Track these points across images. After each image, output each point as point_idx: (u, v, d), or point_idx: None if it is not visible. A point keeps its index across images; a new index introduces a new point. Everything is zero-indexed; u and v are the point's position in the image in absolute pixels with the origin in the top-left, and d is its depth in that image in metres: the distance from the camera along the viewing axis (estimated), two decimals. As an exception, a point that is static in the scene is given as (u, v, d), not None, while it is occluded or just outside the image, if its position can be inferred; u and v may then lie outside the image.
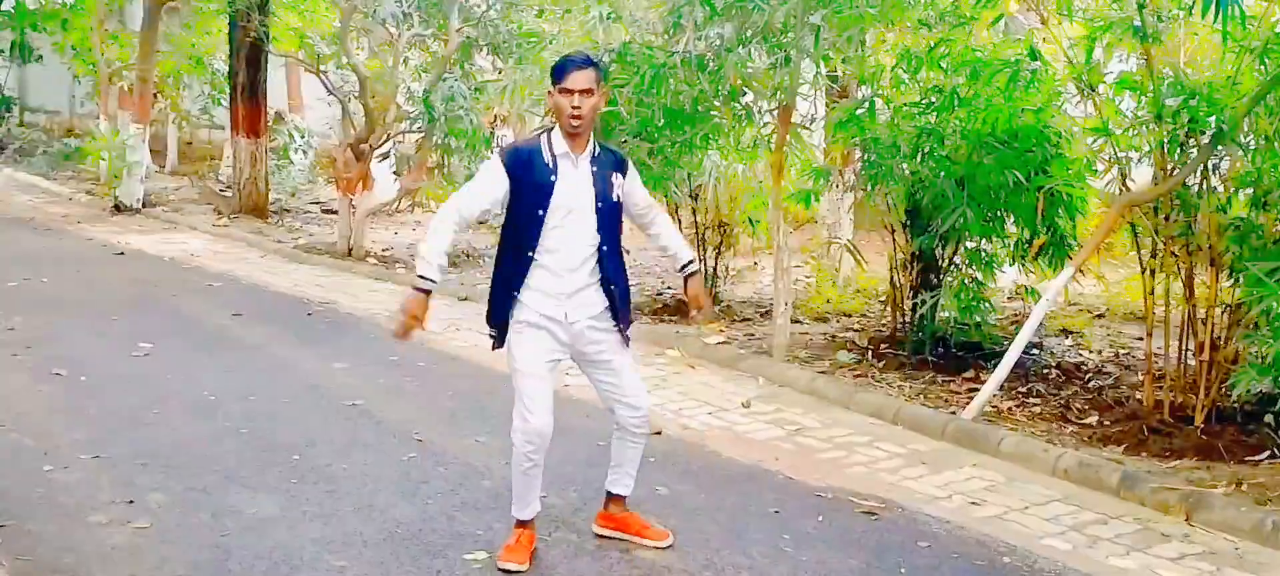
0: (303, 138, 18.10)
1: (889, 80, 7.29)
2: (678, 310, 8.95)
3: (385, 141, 12.75)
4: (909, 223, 7.57)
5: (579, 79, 3.77)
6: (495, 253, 4.02)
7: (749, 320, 8.82)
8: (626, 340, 4.07)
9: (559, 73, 3.81)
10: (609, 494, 4.28)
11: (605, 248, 3.90)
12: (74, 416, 5.70)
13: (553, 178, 3.81)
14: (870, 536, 4.44)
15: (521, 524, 4.06)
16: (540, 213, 3.81)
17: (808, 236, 10.41)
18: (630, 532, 4.24)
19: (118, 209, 15.16)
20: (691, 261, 4.26)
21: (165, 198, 16.63)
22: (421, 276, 3.86)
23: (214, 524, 4.32)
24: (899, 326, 7.86)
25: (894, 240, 7.79)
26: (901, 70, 7.12)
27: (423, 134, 12.59)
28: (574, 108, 3.75)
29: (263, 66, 15.26)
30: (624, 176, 3.99)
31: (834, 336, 8.09)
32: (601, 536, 4.27)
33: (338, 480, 4.87)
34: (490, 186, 3.88)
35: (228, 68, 15.97)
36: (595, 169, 3.89)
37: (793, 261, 7.98)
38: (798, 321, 8.09)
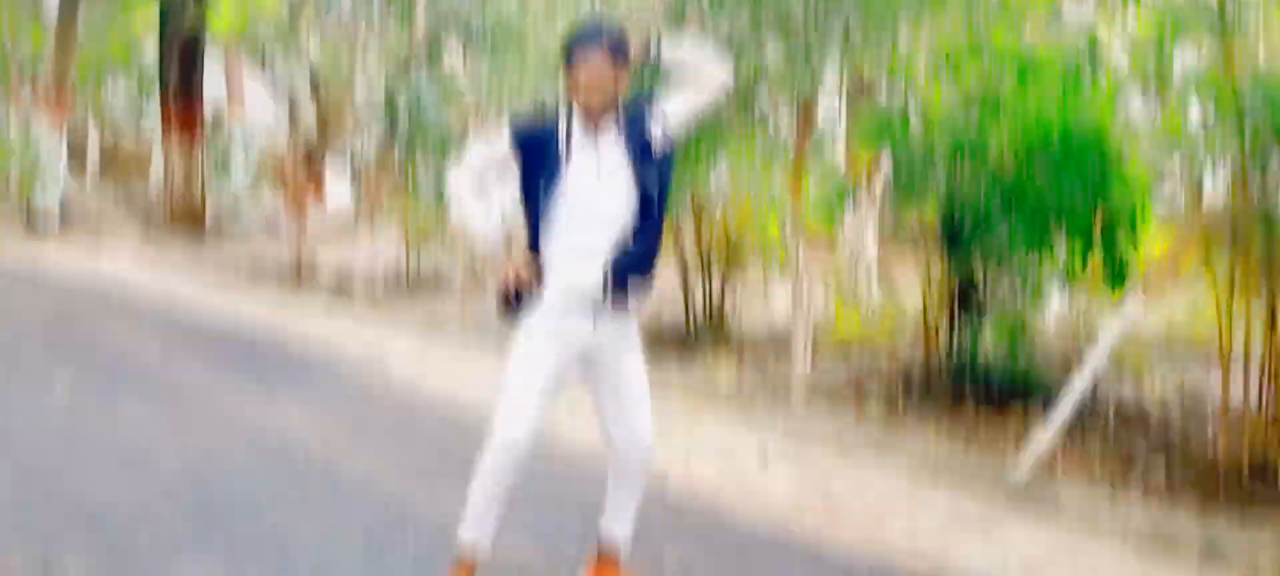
0: (245, 142, 17.96)
1: (924, 80, 7.21)
2: (680, 343, 8.85)
3: (340, 148, 12.64)
4: (946, 243, 7.48)
5: (590, 56, 3.64)
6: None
7: (759, 354, 8.71)
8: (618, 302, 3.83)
9: (567, 50, 3.70)
10: (600, 543, 4.16)
11: (639, 207, 3.74)
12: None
13: (565, 165, 3.70)
14: (918, 616, 4.31)
15: (462, 560, 3.94)
16: (548, 198, 3.72)
17: (826, 254, 10.33)
18: None
19: (30, 223, 14.99)
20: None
21: (85, 208, 16.45)
22: (485, 235, 3.80)
23: (144, 599, 4.16)
24: (932, 360, 7.76)
25: (928, 262, 7.70)
26: (939, 68, 7.05)
27: (384, 140, 12.48)
28: (585, 93, 3.66)
29: (199, 61, 15.15)
30: (656, 115, 3.77)
31: (859, 377, 7.98)
32: None
33: (290, 547, 4.70)
34: (498, 155, 3.78)
35: (158, 62, 15.84)
36: (625, 137, 3.75)
37: (813, 285, 7.88)
38: (815, 357, 7.98)
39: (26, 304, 10.10)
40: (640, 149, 3.74)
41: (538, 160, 3.72)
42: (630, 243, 3.77)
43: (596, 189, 3.72)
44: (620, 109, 3.77)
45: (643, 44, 3.79)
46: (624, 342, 3.88)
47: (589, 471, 5.63)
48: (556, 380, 3.83)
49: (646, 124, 3.77)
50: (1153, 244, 7.03)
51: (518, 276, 3.74)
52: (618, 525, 4.13)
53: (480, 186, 3.80)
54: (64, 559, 4.43)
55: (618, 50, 3.67)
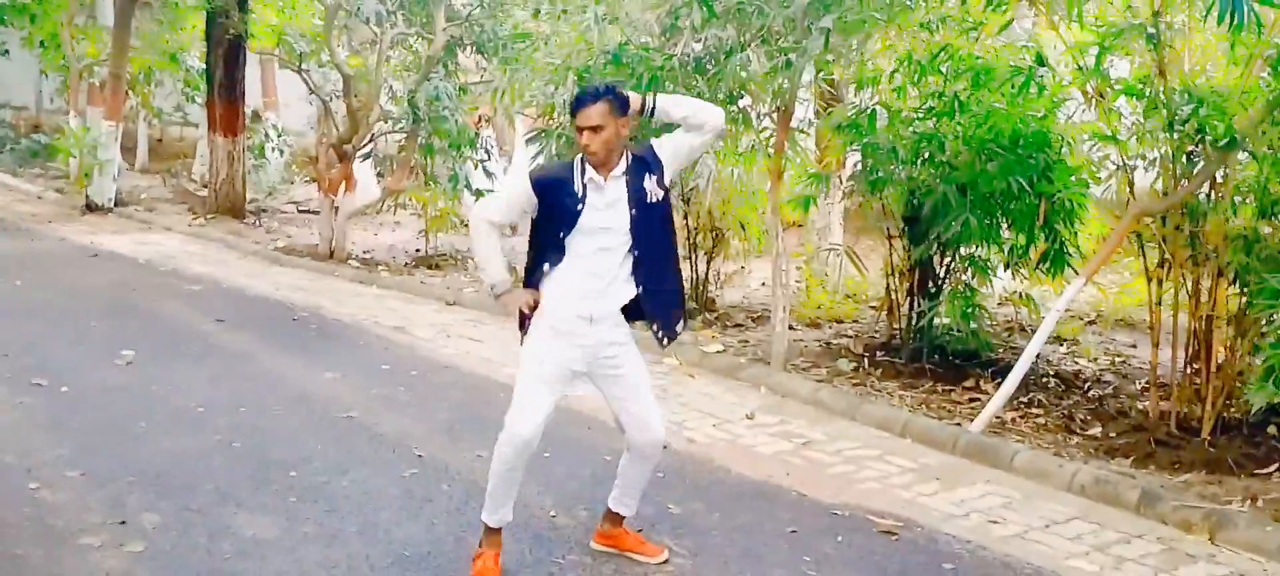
0: (279, 136, 17.78)
1: (888, 85, 7.18)
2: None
3: (368, 142, 12.52)
4: (907, 229, 7.47)
5: (589, 115, 3.74)
6: (526, 257, 4.00)
7: (742, 326, 8.69)
8: (666, 338, 4.02)
9: (573, 108, 3.83)
10: (610, 512, 4.21)
11: (638, 252, 3.83)
12: (57, 431, 5.46)
13: (580, 207, 3.80)
14: (892, 559, 4.31)
15: (490, 533, 3.96)
16: (562, 235, 3.84)
17: (798, 240, 10.30)
18: (625, 548, 4.18)
19: (89, 208, 14.83)
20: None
21: (137, 196, 16.29)
22: (495, 284, 3.94)
23: (211, 547, 4.12)
24: (895, 333, 7.76)
25: (891, 246, 7.69)
26: (902, 75, 7.02)
27: (406, 134, 12.37)
28: (588, 146, 3.76)
29: (241, 64, 14.97)
30: (658, 163, 3.88)
31: (829, 343, 7.97)
32: (600, 552, 4.20)
33: (337, 499, 4.68)
34: (517, 200, 3.96)
35: (205, 64, 15.64)
36: (628, 179, 3.84)
37: (789, 266, 7.84)
38: (792, 327, 7.96)
39: (89, 280, 9.98)
40: (639, 194, 3.83)
41: (556, 201, 3.83)
42: (656, 283, 3.89)
43: (605, 225, 3.80)
44: (627, 155, 3.86)
45: (639, 100, 3.88)
46: (620, 342, 3.92)
47: (588, 437, 5.64)
48: (562, 382, 3.89)
49: (646, 173, 3.86)
50: (1090, 231, 7.02)
51: (534, 305, 3.87)
52: (627, 501, 4.18)
53: (495, 231, 3.94)
54: (139, 516, 4.39)
55: (615, 105, 3.76)
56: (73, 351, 7.13)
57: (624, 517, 4.20)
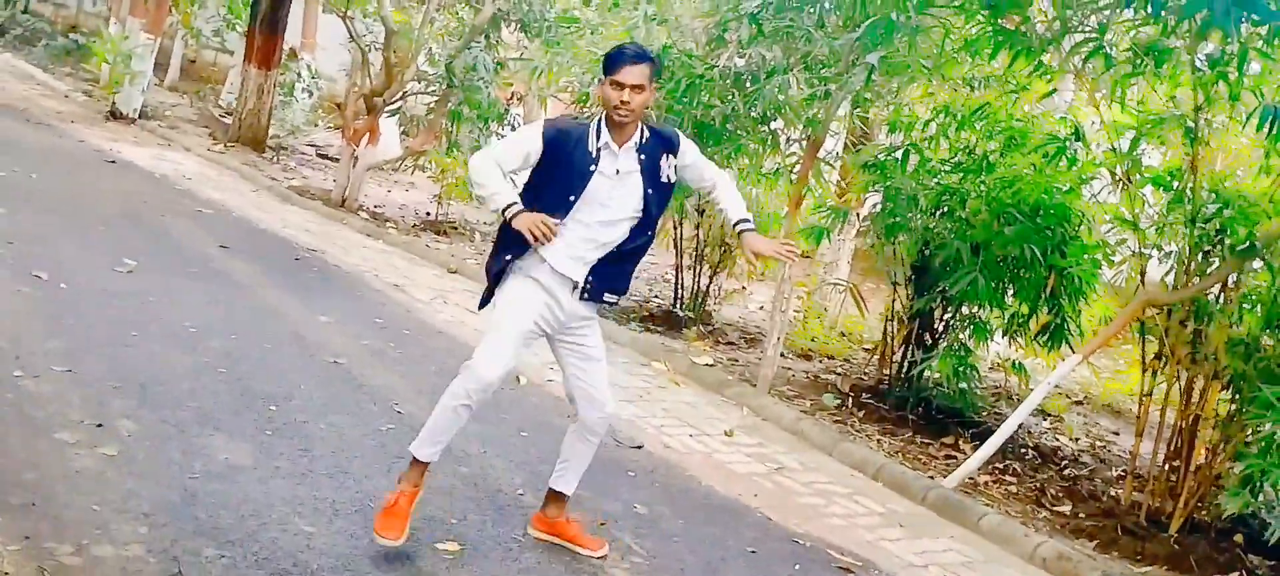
0: (312, 78, 17.88)
1: (922, 133, 7.24)
2: (667, 321, 8.88)
3: (399, 98, 12.61)
4: (913, 278, 7.53)
5: (631, 73, 3.68)
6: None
7: (734, 344, 8.76)
8: (593, 299, 3.88)
9: (611, 63, 3.72)
10: (551, 491, 4.15)
11: (639, 224, 3.85)
12: (50, 324, 5.55)
13: (592, 168, 3.74)
14: (845, 594, 4.37)
15: (415, 466, 3.88)
16: (571, 198, 3.75)
17: (804, 271, 10.36)
18: (565, 539, 4.14)
19: (114, 115, 14.94)
20: (744, 221, 4.03)
21: (162, 112, 16.40)
22: (509, 205, 3.73)
23: (183, 463, 4.19)
24: (884, 378, 7.81)
25: (895, 292, 7.75)
26: (938, 125, 7.08)
27: (438, 98, 12.46)
28: (622, 101, 3.68)
29: (287, 0, 15.07)
30: (676, 155, 3.90)
31: (818, 376, 8.03)
32: (541, 540, 4.15)
33: (313, 440, 4.76)
34: (525, 146, 3.79)
35: (251, -7, 15.76)
36: (643, 156, 3.81)
37: (791, 294, 7.91)
38: (783, 355, 8.02)
39: (103, 185, 10.09)
40: (654, 171, 3.82)
41: (567, 156, 3.75)
42: (619, 256, 3.86)
43: (610, 193, 3.77)
44: (645, 128, 3.84)
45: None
46: (590, 316, 3.94)
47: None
48: (532, 334, 3.86)
49: (664, 153, 3.86)
50: (1094, 311, 7.08)
51: (545, 225, 3.69)
52: (569, 478, 4.14)
53: (498, 167, 3.78)
54: (117, 420, 4.47)
55: (652, 70, 3.74)
56: (77, 251, 7.22)
57: (566, 500, 4.15)
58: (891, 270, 7.74)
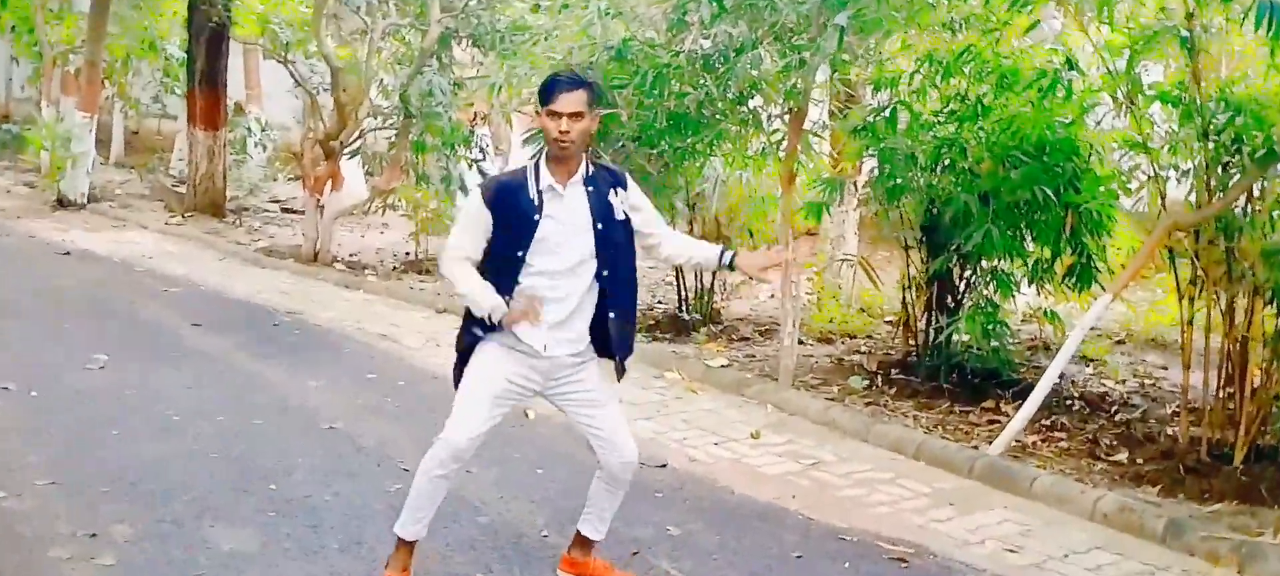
0: (263, 131, 17.90)
1: (908, 87, 7.24)
2: (674, 327, 8.88)
3: (356, 138, 12.61)
4: (925, 240, 7.54)
5: (567, 101, 3.63)
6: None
7: (748, 339, 8.77)
8: (622, 371, 3.94)
9: (546, 93, 3.68)
10: (578, 535, 4.13)
11: (606, 272, 3.77)
12: (27, 436, 5.55)
13: (537, 216, 3.70)
14: (902, 586, 4.37)
15: (401, 548, 3.91)
16: (520, 253, 3.71)
17: (810, 250, 10.37)
18: None
19: (61, 203, 14.95)
20: (725, 253, 4.02)
21: (112, 192, 16.42)
22: (494, 308, 3.68)
23: (186, 560, 4.18)
24: (911, 350, 7.82)
25: (908, 257, 7.75)
26: (923, 76, 7.08)
27: (398, 131, 12.46)
28: (562, 132, 3.63)
29: (224, 53, 15.09)
30: (625, 191, 3.86)
31: (841, 359, 8.04)
32: None
33: (320, 512, 4.75)
34: (475, 222, 3.79)
35: (186, 53, 15.77)
36: (590, 189, 3.77)
37: (799, 276, 7.92)
38: (801, 342, 8.03)
39: (61, 279, 10.08)
40: (603, 205, 3.76)
41: (511, 210, 3.71)
42: (612, 309, 3.81)
43: (561, 238, 3.71)
44: (589, 163, 3.80)
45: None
46: (579, 361, 3.84)
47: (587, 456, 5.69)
48: (511, 398, 3.84)
49: (613, 187, 3.81)
50: (1119, 244, 7.08)
51: (532, 309, 3.66)
52: (597, 525, 4.12)
53: (469, 264, 3.78)
54: (110, 527, 4.46)
55: (593, 97, 3.70)
56: (43, 354, 7.21)
57: (593, 543, 4.15)
58: (901, 235, 7.75)
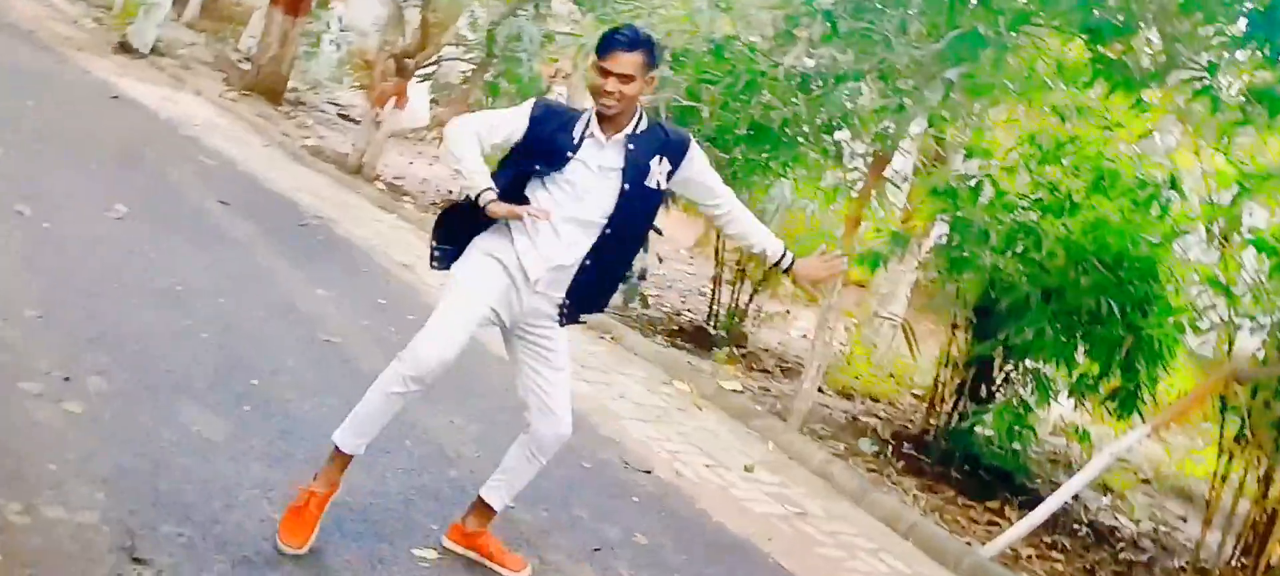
0: (342, 30, 18.16)
1: (1001, 161, 7.25)
2: (696, 338, 8.93)
3: (433, 62, 12.77)
4: (975, 321, 7.54)
5: (621, 61, 3.58)
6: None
7: (768, 372, 8.80)
8: (570, 321, 3.86)
9: (602, 47, 3.64)
10: (480, 501, 4.08)
11: (609, 230, 3.73)
12: (27, 265, 5.70)
13: (570, 155, 3.68)
14: (855, 658, 4.41)
15: (336, 459, 3.84)
16: (545, 180, 3.70)
17: (856, 301, 10.38)
18: (483, 555, 4.07)
19: (123, 48, 15.25)
20: (786, 254, 3.98)
21: (176, 50, 16.70)
22: (484, 192, 3.63)
23: (151, 430, 4.29)
24: (930, 429, 7.83)
25: (953, 334, 7.76)
26: (1019, 155, 7.09)
27: (475, 66, 12.61)
28: (608, 91, 3.61)
29: (323, -59, 15.34)
30: (680, 161, 3.80)
31: (856, 418, 8.06)
32: (455, 553, 4.09)
33: (295, 421, 4.85)
34: (510, 124, 3.74)
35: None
36: (631, 147, 3.72)
37: (836, 324, 7.94)
38: (821, 390, 8.06)
39: (104, 123, 10.33)
40: (638, 169, 3.72)
41: (548, 137, 3.69)
42: (598, 270, 3.78)
43: (586, 186, 3.70)
44: (644, 118, 3.77)
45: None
46: (553, 317, 3.83)
47: (572, 440, 5.75)
48: (482, 323, 3.77)
49: (659, 154, 3.76)
50: (1172, 381, 7.05)
51: (516, 213, 3.63)
52: (502, 493, 4.08)
53: (477, 142, 3.70)
54: (87, 376, 4.59)
55: (650, 57, 3.65)
56: (66, 190, 7.39)
57: (493, 515, 4.09)
58: (952, 310, 7.75)
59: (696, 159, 3.88)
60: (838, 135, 8.16)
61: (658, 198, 3.83)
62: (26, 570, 3.22)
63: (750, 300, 9.37)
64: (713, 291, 9.48)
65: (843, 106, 7.26)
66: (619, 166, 3.70)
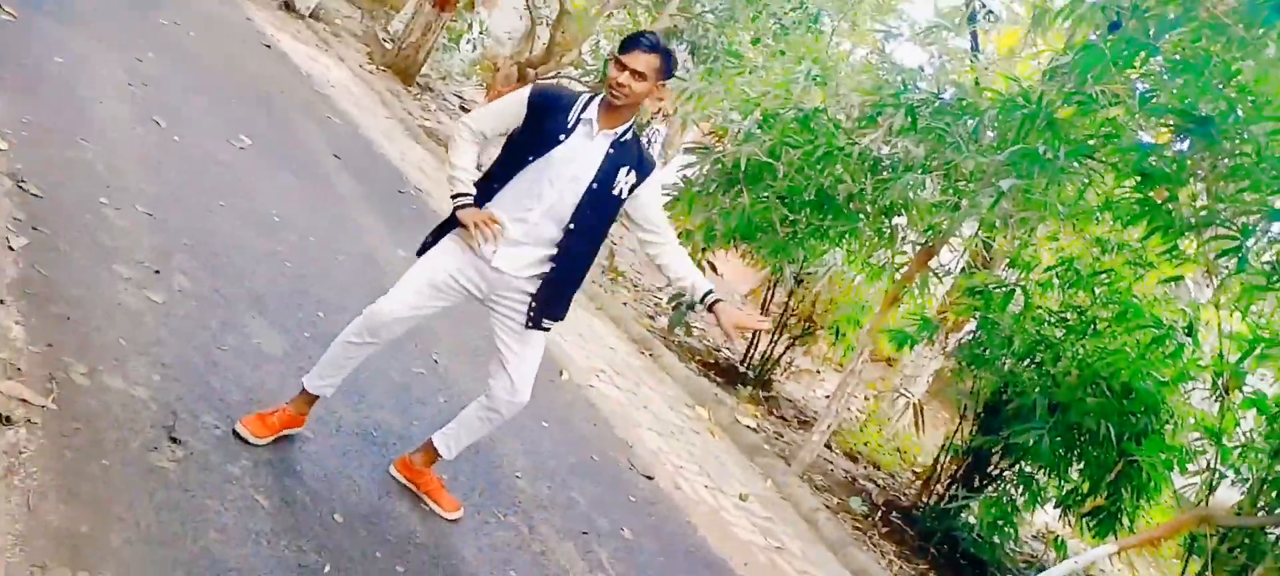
0: (480, 33, 18.52)
1: (1037, 277, 7.21)
2: (726, 375, 8.96)
3: (552, 76, 12.99)
4: (983, 416, 7.48)
5: (639, 59, 3.59)
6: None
7: (785, 419, 8.79)
8: (537, 325, 3.85)
9: (625, 44, 3.66)
10: (429, 443, 4.13)
11: (573, 227, 3.72)
12: (151, 167, 5.93)
13: (562, 137, 3.67)
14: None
15: (302, 396, 3.95)
16: (530, 158, 3.69)
17: (881, 373, 10.33)
18: (422, 490, 4.13)
19: (287, 6, 15.72)
20: (712, 291, 3.88)
21: (333, 18, 17.15)
22: (457, 195, 3.75)
23: (217, 334, 4.46)
24: (920, 504, 7.76)
25: (960, 424, 7.70)
26: (1057, 275, 7.05)
27: (589, 89, 12.80)
28: (620, 82, 3.60)
29: (479, -47, 15.69)
30: (642, 181, 3.77)
31: (855, 478, 8.02)
32: (397, 481, 4.15)
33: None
34: (509, 111, 3.78)
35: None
36: (613, 150, 3.70)
37: (857, 390, 7.92)
38: (828, 446, 8.03)
39: (252, 65, 10.66)
40: (610, 171, 3.68)
41: (546, 118, 3.69)
42: (564, 270, 3.78)
43: (565, 171, 3.68)
44: (629, 127, 3.74)
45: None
46: (523, 298, 3.82)
47: (588, 431, 5.82)
48: (449, 294, 3.81)
49: (630, 166, 3.72)
50: (1152, 512, 6.93)
51: (477, 225, 3.66)
52: (451, 443, 4.11)
53: (473, 139, 3.80)
54: (174, 273, 4.78)
55: (665, 64, 3.64)
56: (202, 114, 7.65)
57: (437, 458, 4.12)
58: (964, 401, 7.70)
59: (654, 185, 3.84)
60: (895, 219, 8.15)
61: (618, 205, 3.79)
62: (75, 423, 3.39)
63: (785, 352, 9.37)
64: (752, 336, 9.50)
65: (905, 194, 7.25)
66: (596, 164, 3.68)
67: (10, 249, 4.16)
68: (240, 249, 5.51)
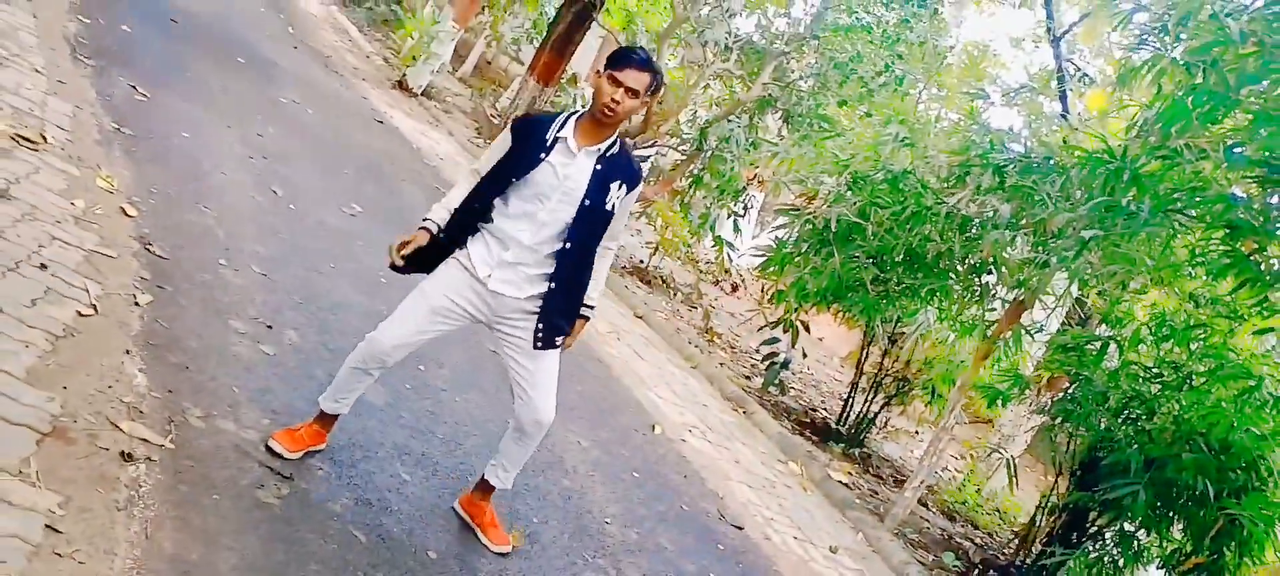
0: (583, 107, 18.93)
1: (1131, 332, 7.06)
2: (821, 431, 8.90)
3: (650, 145, 13.20)
4: (1079, 474, 7.29)
5: (631, 76, 3.56)
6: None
7: (880, 476, 8.69)
8: (549, 344, 3.84)
9: (617, 58, 3.63)
10: (483, 479, 4.18)
11: (569, 245, 3.72)
12: (267, 231, 6.23)
13: (542, 155, 3.66)
14: None
15: (320, 417, 4.05)
16: (513, 179, 3.69)
17: (979, 432, 10.13)
18: (475, 522, 4.17)
19: (400, 86, 16.31)
20: (586, 306, 3.93)
21: (443, 96, 17.73)
22: (426, 217, 3.84)
23: (323, 382, 4.59)
24: (1017, 563, 7.57)
25: (1056, 482, 7.52)
26: (1150, 331, 6.90)
27: (685, 158, 12.97)
28: (613, 99, 3.57)
29: (583, 29, 16.08)
30: (630, 192, 3.78)
31: (951, 536, 7.87)
32: (459, 517, 4.21)
33: (443, 406, 5.17)
34: (499, 146, 3.81)
35: (554, 14, 16.90)
36: (599, 167, 3.68)
37: (952, 449, 7.81)
38: (923, 503, 7.91)
39: (364, 138, 11.09)
40: (602, 186, 3.67)
41: (525, 142, 3.69)
42: (563, 288, 3.76)
43: (550, 189, 3.66)
44: (614, 142, 3.72)
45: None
46: (524, 318, 3.82)
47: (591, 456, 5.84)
48: (448, 313, 3.83)
49: (621, 180, 3.72)
50: (1257, 568, 6.65)
51: (404, 243, 3.78)
52: (500, 474, 4.15)
53: (473, 181, 3.82)
54: (285, 329, 5.00)
55: (655, 82, 3.62)
56: (316, 183, 8.01)
57: (493, 490, 4.16)
58: (1059, 459, 7.52)
59: (634, 197, 3.83)
60: (985, 276, 8.07)
61: (607, 218, 3.77)
62: (190, 461, 3.59)
63: (880, 411, 9.28)
64: (848, 395, 9.43)
65: (994, 252, 7.19)
66: (584, 181, 3.67)
67: (136, 304, 4.43)
68: (347, 307, 5.74)
